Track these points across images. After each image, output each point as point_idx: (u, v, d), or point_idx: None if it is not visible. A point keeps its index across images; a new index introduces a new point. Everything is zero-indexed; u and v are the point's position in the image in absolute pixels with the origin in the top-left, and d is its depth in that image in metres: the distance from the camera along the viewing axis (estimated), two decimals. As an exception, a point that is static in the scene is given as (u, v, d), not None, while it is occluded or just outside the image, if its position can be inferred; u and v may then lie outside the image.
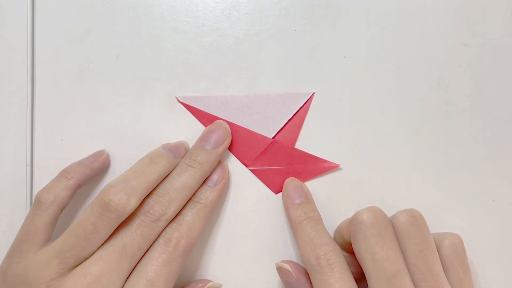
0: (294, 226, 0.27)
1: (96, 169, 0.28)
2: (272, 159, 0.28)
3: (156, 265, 0.24)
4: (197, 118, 0.29)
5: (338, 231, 0.27)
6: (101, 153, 0.28)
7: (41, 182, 0.29)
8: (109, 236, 0.24)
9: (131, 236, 0.24)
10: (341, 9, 0.29)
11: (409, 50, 0.29)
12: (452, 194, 0.29)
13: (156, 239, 0.25)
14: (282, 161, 0.28)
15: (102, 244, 0.24)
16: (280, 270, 0.27)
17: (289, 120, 0.29)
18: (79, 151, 0.29)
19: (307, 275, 0.26)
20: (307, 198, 0.27)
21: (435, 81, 0.29)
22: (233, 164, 0.29)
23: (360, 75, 0.29)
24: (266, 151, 0.28)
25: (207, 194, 0.26)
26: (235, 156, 0.29)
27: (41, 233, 0.25)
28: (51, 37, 0.29)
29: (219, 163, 0.28)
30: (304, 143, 0.29)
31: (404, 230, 0.24)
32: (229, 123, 0.28)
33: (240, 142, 0.29)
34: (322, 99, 0.29)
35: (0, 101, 0.29)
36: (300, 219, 0.26)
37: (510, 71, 0.29)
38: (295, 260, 0.28)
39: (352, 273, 0.24)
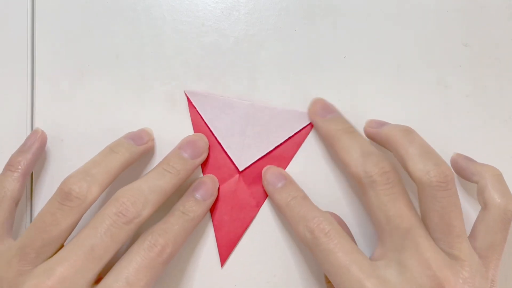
0: (282, 210, 0.26)
1: (36, 152, 0.27)
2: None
3: (137, 268, 0.23)
4: (191, 120, 0.29)
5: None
6: (36, 132, 0.28)
7: (41, 182, 0.29)
8: (71, 229, 0.24)
9: (100, 238, 0.23)
10: (341, 9, 0.29)
11: (409, 50, 0.29)
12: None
13: (135, 243, 0.24)
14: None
15: (69, 244, 0.23)
16: None
17: (289, 137, 0.29)
18: (79, 151, 0.29)
19: None
20: (288, 180, 0.27)
21: (435, 81, 0.29)
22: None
23: (360, 75, 0.29)
24: (264, 160, 0.28)
25: (196, 208, 0.26)
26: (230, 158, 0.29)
27: None
28: (51, 37, 0.29)
29: (211, 178, 0.28)
30: (305, 144, 0.29)
31: (431, 192, 0.23)
32: (211, 141, 0.28)
33: (213, 164, 0.29)
34: (322, 99, 0.29)
35: (1, 101, 0.29)
36: (286, 201, 0.26)
37: (510, 71, 0.29)
38: (295, 260, 0.28)
39: None
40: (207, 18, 0.29)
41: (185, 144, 0.27)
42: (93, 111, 0.29)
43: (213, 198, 0.28)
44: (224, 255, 0.28)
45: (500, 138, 0.29)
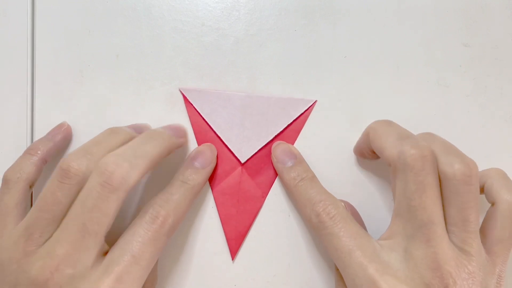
0: (290, 190, 0.27)
1: (58, 142, 0.28)
2: (266, 159, 0.29)
3: (142, 241, 0.23)
4: (189, 117, 0.29)
5: (362, 146, 0.27)
6: (61, 125, 0.29)
7: (41, 182, 0.29)
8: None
9: (89, 214, 0.22)
10: (341, 9, 0.29)
11: (409, 50, 0.29)
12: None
13: (137, 216, 0.24)
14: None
15: (62, 223, 0.23)
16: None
17: (288, 125, 0.29)
18: (79, 151, 0.29)
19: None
20: (298, 159, 0.27)
21: (435, 81, 0.29)
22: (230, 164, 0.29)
23: (360, 75, 0.29)
24: (265, 149, 0.29)
25: (195, 176, 0.26)
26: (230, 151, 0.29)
27: (12, 211, 0.25)
28: (51, 37, 0.29)
29: (209, 146, 0.28)
30: (304, 143, 0.29)
31: (454, 186, 0.23)
32: (211, 136, 0.29)
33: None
34: (322, 99, 0.29)
35: (0, 101, 0.29)
36: (295, 182, 0.26)
37: (510, 71, 0.29)
38: (299, 262, 0.28)
39: None
40: (207, 18, 0.29)
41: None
42: (93, 111, 0.29)
43: (212, 165, 0.28)
44: (234, 248, 0.29)
45: (500, 138, 0.29)
